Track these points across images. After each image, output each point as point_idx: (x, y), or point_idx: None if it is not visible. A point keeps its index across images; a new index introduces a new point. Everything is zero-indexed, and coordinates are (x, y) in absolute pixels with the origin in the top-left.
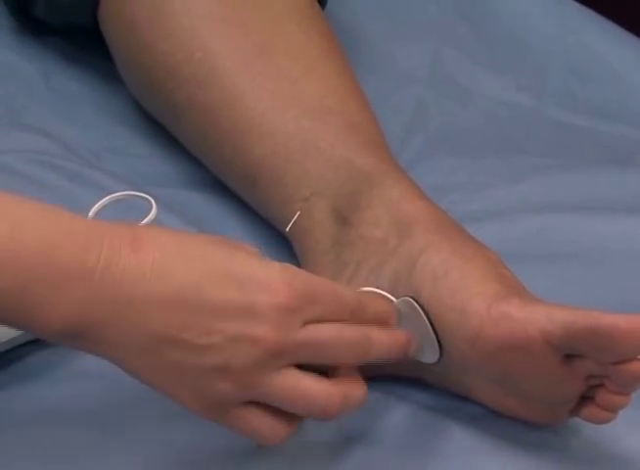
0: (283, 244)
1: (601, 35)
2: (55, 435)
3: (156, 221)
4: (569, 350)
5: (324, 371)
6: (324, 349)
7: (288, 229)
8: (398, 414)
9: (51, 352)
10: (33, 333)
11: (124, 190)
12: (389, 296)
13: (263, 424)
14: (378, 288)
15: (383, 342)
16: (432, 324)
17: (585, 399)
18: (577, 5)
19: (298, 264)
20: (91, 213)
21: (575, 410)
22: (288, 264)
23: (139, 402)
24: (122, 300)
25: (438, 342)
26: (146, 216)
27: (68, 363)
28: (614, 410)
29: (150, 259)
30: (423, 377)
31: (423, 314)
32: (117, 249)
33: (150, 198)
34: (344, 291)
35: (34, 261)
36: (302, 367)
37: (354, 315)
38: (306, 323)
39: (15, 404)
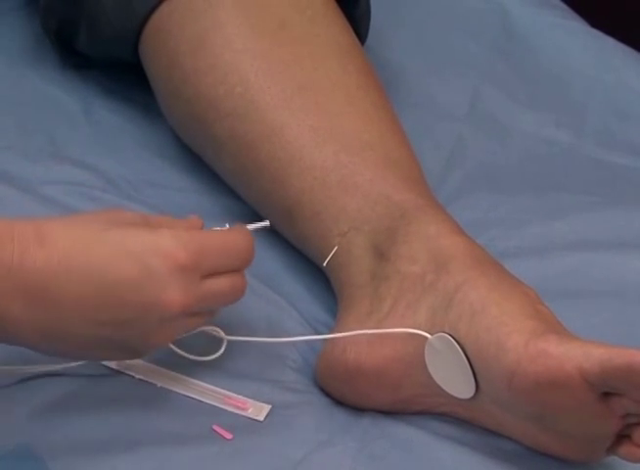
0: (320, 278)
1: None
2: None
3: None
4: (605, 387)
5: None
6: (222, 298)
7: (325, 264)
8: (432, 450)
9: None
10: None
11: None
12: (424, 333)
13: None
14: (414, 323)
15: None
16: (468, 360)
17: (622, 437)
18: (616, 42)
19: (336, 300)
20: None
21: (612, 448)
22: (176, 230)
23: None
24: (36, 291)
25: (475, 377)
26: None
27: None
28: None
29: (55, 253)
30: (457, 412)
31: (460, 350)
32: (26, 244)
33: None
34: (233, 238)
35: None
36: None
37: (244, 260)
38: (204, 277)
39: None
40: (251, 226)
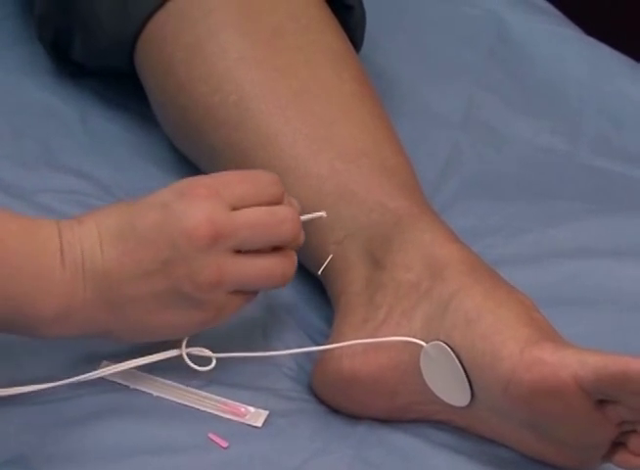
0: (316, 285)
1: (635, 81)
2: None
3: None
4: (601, 395)
5: None
6: (261, 229)
7: (320, 272)
8: (428, 458)
9: None
10: (30, 334)
11: None
12: (420, 341)
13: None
14: (410, 331)
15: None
16: (463, 368)
17: (618, 444)
18: (611, 50)
19: (332, 308)
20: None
21: (608, 456)
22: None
23: None
24: (87, 266)
25: (470, 385)
26: None
27: None
28: None
29: (94, 225)
30: (452, 420)
31: (455, 358)
32: (70, 229)
33: None
34: (251, 172)
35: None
36: None
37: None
38: (235, 209)
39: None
40: (307, 217)
